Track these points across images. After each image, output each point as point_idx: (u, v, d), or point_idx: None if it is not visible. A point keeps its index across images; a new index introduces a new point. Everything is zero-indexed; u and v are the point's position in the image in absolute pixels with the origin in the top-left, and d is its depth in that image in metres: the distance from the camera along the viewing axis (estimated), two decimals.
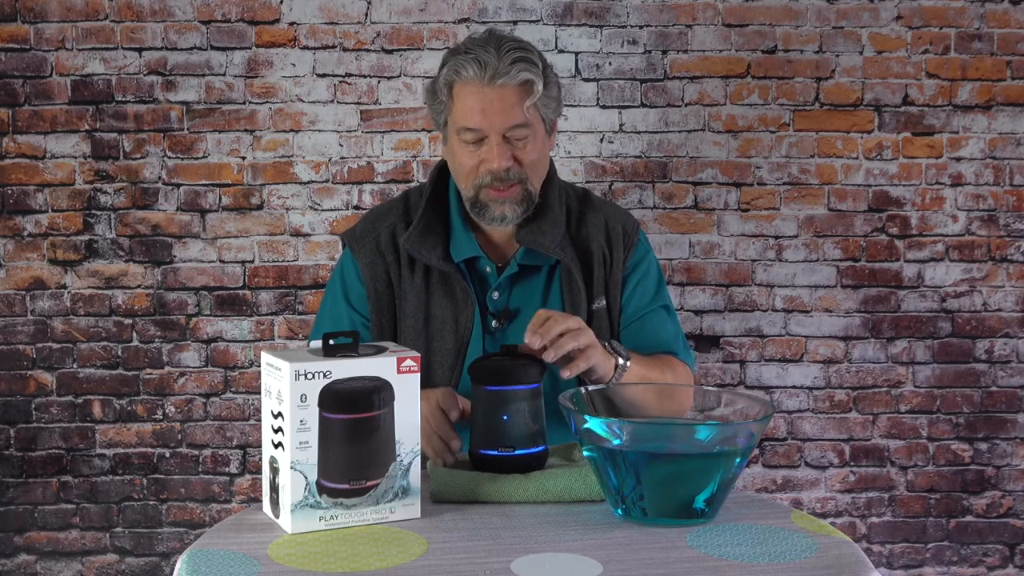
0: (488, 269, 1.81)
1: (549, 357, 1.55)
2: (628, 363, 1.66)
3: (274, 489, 1.36)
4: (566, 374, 1.57)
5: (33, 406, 2.83)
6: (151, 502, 2.85)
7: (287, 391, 1.30)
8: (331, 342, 1.36)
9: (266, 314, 2.83)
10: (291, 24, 2.77)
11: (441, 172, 1.87)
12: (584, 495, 1.45)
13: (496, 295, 1.81)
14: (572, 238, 1.83)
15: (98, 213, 2.80)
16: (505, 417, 1.50)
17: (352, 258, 1.84)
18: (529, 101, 1.71)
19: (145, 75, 2.77)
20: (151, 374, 2.83)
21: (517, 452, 1.50)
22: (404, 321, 1.79)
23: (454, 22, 2.78)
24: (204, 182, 2.80)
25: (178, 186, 2.80)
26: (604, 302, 1.82)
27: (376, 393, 1.34)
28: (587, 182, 2.79)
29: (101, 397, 2.83)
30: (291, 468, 1.32)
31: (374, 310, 1.81)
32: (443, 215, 1.83)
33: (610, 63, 2.81)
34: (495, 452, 1.51)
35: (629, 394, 1.57)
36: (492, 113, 1.70)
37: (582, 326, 1.60)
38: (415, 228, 1.79)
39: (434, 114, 1.81)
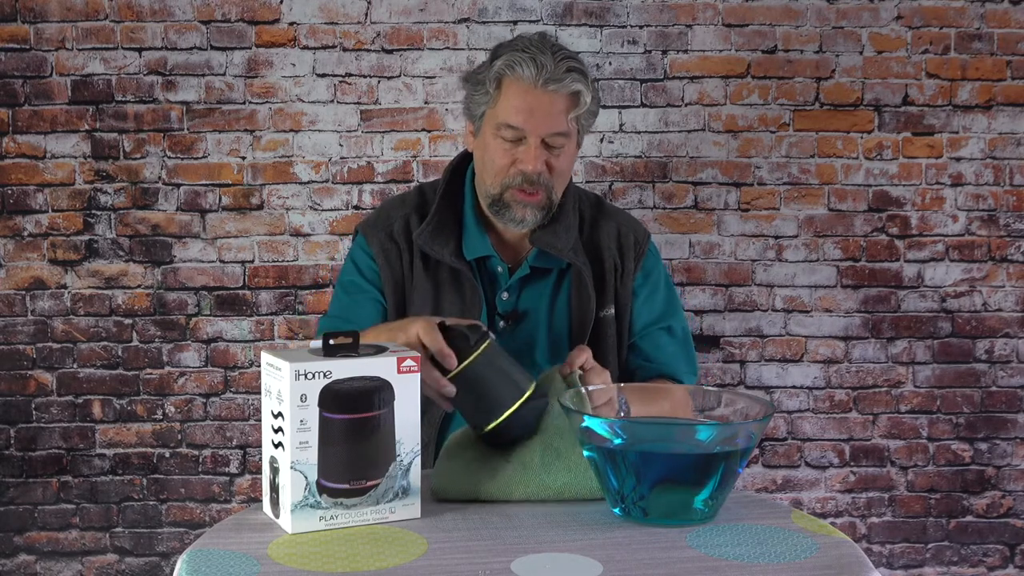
0: (500, 269, 1.81)
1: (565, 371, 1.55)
2: None
3: (274, 489, 1.36)
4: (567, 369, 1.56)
5: (33, 406, 2.83)
6: (151, 502, 2.85)
7: (287, 391, 1.30)
8: (331, 342, 1.36)
9: (266, 314, 2.83)
10: (291, 24, 2.77)
11: (455, 170, 1.87)
12: (586, 491, 1.45)
13: (506, 295, 1.81)
14: (584, 244, 1.83)
15: (98, 213, 2.80)
16: (487, 384, 1.45)
17: (365, 244, 1.83)
18: (575, 112, 1.71)
19: (145, 75, 2.77)
20: (151, 374, 2.83)
21: (512, 411, 1.45)
22: (412, 312, 1.79)
23: (454, 22, 2.78)
24: (204, 182, 2.80)
25: (178, 186, 2.80)
26: (612, 311, 1.82)
27: (376, 393, 1.34)
28: (587, 182, 2.79)
29: (101, 397, 2.83)
30: (291, 468, 1.32)
31: (389, 292, 1.80)
32: (457, 213, 1.82)
33: (610, 63, 2.81)
34: (495, 423, 1.46)
35: None
36: (539, 116, 1.69)
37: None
38: (428, 224, 1.79)
39: (472, 104, 1.77)
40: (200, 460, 2.85)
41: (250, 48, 2.78)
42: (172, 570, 1.90)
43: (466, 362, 1.44)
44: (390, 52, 2.79)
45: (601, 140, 2.82)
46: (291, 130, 2.80)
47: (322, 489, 1.33)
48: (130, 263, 2.81)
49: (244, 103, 2.79)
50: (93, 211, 2.80)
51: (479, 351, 1.44)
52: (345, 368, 1.32)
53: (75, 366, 2.82)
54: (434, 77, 2.79)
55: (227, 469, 2.86)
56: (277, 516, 1.36)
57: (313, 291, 2.82)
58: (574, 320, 1.80)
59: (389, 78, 2.79)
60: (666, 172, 2.83)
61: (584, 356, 1.56)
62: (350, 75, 2.79)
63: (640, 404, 1.58)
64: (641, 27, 2.80)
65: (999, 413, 2.91)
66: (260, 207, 2.81)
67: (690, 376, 1.87)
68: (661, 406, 1.70)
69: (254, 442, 2.84)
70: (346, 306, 1.82)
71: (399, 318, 1.81)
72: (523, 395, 1.45)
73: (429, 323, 1.48)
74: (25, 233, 2.79)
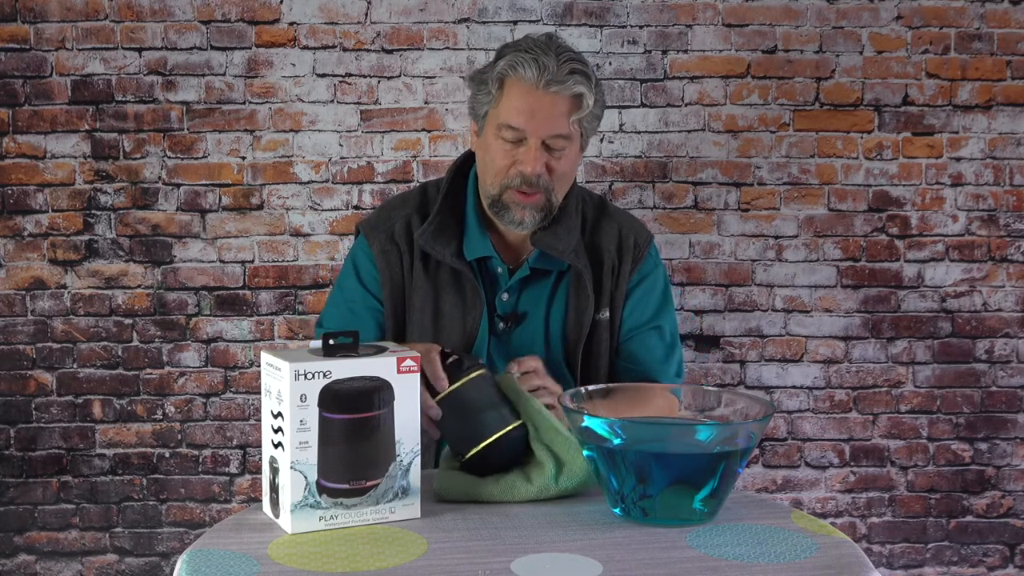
0: (500, 270, 1.81)
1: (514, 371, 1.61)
2: None
3: (274, 489, 1.36)
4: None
5: (33, 406, 2.83)
6: (151, 502, 2.85)
7: (287, 391, 1.31)
8: (331, 342, 1.36)
9: (266, 314, 2.83)
10: (291, 24, 2.77)
11: (458, 170, 1.87)
12: (586, 477, 1.46)
13: (506, 296, 1.81)
14: (586, 245, 1.82)
15: (98, 213, 2.80)
16: (473, 411, 1.48)
17: (366, 245, 1.83)
18: (576, 115, 1.70)
19: (145, 75, 2.77)
20: (151, 374, 2.83)
21: (493, 440, 1.47)
22: (412, 314, 1.79)
23: (454, 22, 2.78)
24: (204, 182, 2.80)
25: (178, 186, 2.80)
26: (607, 313, 1.82)
27: (376, 393, 1.34)
28: (587, 182, 2.79)
29: (101, 397, 2.83)
30: (291, 468, 1.32)
31: (387, 296, 1.80)
32: (459, 213, 1.82)
33: (610, 63, 2.81)
34: (476, 450, 1.48)
35: None
36: (539, 117, 1.69)
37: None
38: (430, 224, 1.79)
39: (476, 104, 1.77)
40: (200, 460, 2.85)
41: (250, 48, 2.78)
42: (172, 570, 1.90)
43: (455, 385, 1.48)
44: (390, 52, 2.79)
45: (601, 140, 2.82)
46: (291, 130, 2.80)
47: (322, 489, 1.33)
48: (130, 263, 2.81)
49: (244, 103, 2.79)
50: (93, 211, 2.80)
51: (470, 376, 1.48)
52: (345, 368, 1.32)
53: (75, 366, 2.82)
54: (434, 77, 2.79)
55: (227, 469, 2.86)
56: (277, 516, 1.36)
57: (313, 291, 2.82)
58: (571, 322, 1.80)
59: (389, 78, 2.79)
60: (666, 172, 2.83)
61: (532, 364, 1.61)
62: (350, 75, 2.79)
63: (616, 411, 1.53)
64: (641, 27, 2.80)
65: (999, 413, 2.91)
66: (260, 207, 2.81)
67: (675, 381, 1.86)
68: (643, 412, 1.68)
69: (254, 442, 2.85)
70: (345, 315, 1.83)
71: (398, 320, 1.81)
72: (507, 426, 1.48)
73: (429, 348, 1.52)
74: (25, 233, 2.79)
